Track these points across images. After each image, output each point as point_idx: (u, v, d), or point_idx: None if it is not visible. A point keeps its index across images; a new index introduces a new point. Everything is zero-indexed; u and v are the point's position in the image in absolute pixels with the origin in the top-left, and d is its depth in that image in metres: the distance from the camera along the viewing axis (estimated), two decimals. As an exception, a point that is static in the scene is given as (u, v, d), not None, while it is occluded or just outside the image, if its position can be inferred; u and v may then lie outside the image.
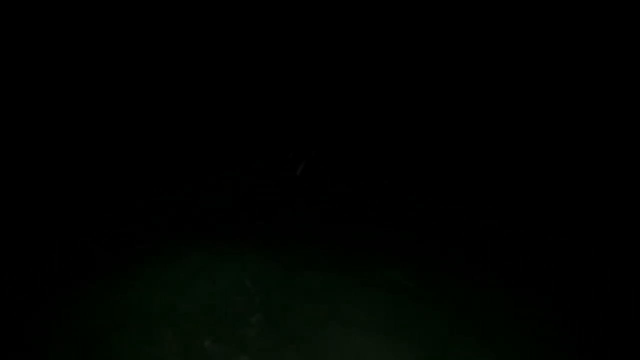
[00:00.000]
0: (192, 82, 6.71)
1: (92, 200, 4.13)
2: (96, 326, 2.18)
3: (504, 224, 4.19)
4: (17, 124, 5.23)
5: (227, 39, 6.76)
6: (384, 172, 5.96)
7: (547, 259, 3.35)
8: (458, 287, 2.78)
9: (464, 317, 2.42)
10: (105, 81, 6.15)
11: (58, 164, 5.01)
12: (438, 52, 6.68)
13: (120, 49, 6.26)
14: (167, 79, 6.58)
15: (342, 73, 6.94)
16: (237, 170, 5.71)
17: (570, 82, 5.90)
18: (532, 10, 6.05)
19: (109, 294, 2.50)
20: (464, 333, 2.28)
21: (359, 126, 6.87)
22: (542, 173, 5.61)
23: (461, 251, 3.42)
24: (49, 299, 2.40)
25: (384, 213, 4.37)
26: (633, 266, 3.19)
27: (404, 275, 2.92)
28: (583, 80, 5.78)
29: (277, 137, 6.47)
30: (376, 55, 6.87)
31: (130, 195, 4.39)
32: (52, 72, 5.76)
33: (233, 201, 4.51)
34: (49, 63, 5.71)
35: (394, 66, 6.84)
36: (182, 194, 4.56)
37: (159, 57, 6.55)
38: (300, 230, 3.64)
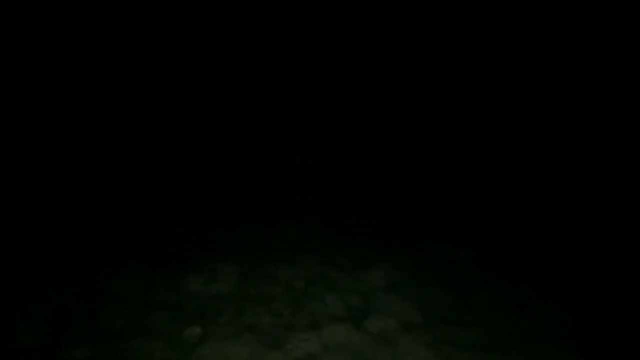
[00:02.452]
0: (202, 100, 6.78)
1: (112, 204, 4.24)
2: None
3: (503, 225, 4.26)
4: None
5: (237, 53, 6.83)
6: (385, 178, 6.02)
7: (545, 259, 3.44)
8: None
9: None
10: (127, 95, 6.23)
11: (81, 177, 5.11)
12: (438, 59, 6.75)
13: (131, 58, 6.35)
14: (179, 89, 6.66)
15: (349, 83, 7.00)
16: (242, 176, 5.81)
17: (566, 85, 5.95)
18: (532, 11, 6.11)
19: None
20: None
21: (364, 133, 6.92)
22: (539, 175, 5.66)
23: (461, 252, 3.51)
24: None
25: (386, 221, 4.44)
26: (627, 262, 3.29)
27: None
28: (578, 83, 5.83)
29: (285, 143, 6.54)
30: (378, 64, 6.94)
31: (133, 199, 4.50)
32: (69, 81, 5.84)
33: (237, 204, 4.60)
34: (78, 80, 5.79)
35: (397, 73, 6.91)
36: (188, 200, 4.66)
37: (164, 62, 6.62)
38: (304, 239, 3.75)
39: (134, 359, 2.01)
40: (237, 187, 5.29)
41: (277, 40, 6.84)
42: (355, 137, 6.86)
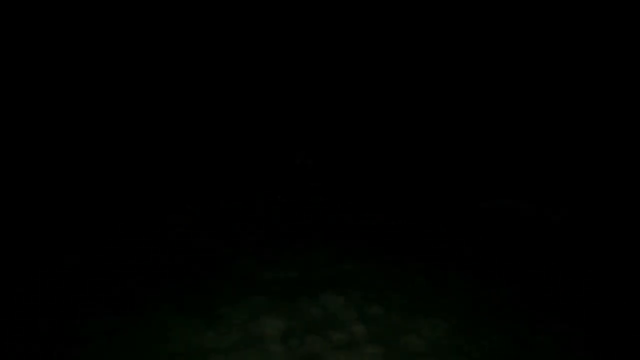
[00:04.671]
0: (205, 105, 6.77)
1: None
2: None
3: (503, 226, 4.26)
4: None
5: (238, 54, 6.82)
6: (385, 178, 6.00)
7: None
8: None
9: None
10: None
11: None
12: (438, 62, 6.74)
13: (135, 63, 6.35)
14: (178, 90, 6.66)
15: (349, 83, 6.98)
16: (244, 178, 5.80)
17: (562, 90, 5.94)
18: (532, 11, 6.10)
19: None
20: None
21: (364, 133, 6.91)
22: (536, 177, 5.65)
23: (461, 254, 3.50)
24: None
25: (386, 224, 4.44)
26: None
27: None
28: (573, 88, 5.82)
29: (285, 143, 6.53)
30: (378, 65, 6.93)
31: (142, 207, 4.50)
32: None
33: (240, 208, 4.60)
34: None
35: (397, 73, 6.90)
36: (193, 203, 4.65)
37: (165, 63, 6.62)
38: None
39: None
40: (237, 187, 5.28)
41: (277, 40, 6.84)
42: (355, 137, 6.85)
